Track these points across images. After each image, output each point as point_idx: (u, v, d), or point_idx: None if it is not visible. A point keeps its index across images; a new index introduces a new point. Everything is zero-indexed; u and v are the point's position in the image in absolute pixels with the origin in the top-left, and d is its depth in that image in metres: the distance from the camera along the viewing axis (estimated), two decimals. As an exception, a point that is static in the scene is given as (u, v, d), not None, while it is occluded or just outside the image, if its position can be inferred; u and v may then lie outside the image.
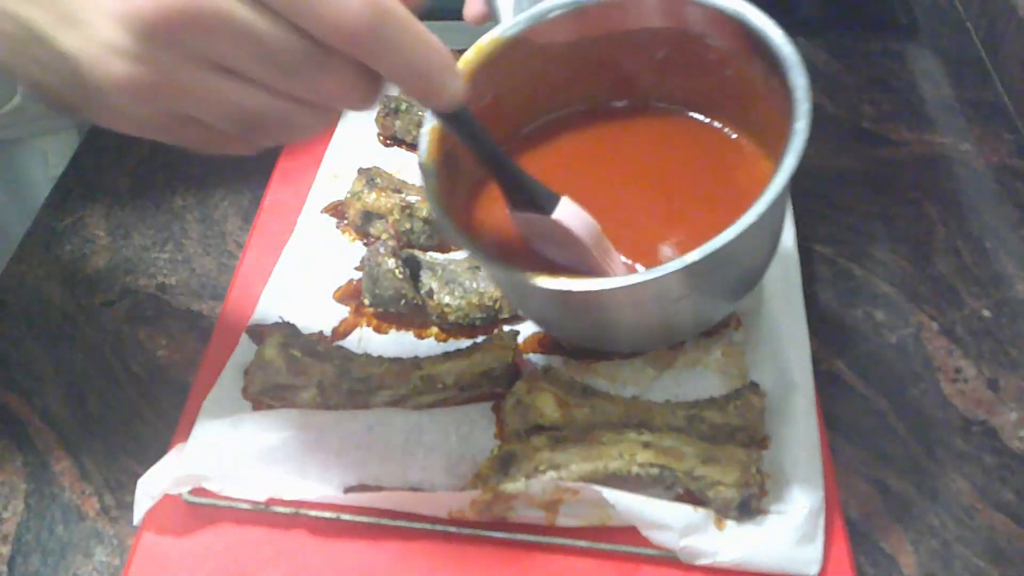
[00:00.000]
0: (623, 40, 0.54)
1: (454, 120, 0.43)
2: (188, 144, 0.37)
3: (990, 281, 0.66)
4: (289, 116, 0.35)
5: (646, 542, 0.50)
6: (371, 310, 0.62)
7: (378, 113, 0.74)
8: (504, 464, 0.51)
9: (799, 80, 0.47)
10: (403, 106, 0.73)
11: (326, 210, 0.68)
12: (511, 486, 0.50)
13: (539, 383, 0.54)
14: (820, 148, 0.77)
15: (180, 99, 0.33)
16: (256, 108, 0.34)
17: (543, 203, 0.47)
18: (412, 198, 0.65)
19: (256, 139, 0.37)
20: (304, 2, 0.32)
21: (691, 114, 0.57)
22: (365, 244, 0.66)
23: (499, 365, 0.56)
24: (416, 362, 0.57)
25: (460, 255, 0.65)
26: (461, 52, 0.80)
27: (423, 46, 0.36)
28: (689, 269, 0.43)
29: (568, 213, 0.47)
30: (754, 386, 0.54)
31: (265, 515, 0.52)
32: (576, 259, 0.49)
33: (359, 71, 0.35)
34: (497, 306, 0.60)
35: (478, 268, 0.62)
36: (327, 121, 0.37)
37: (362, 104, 0.36)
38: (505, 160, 0.47)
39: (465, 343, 0.59)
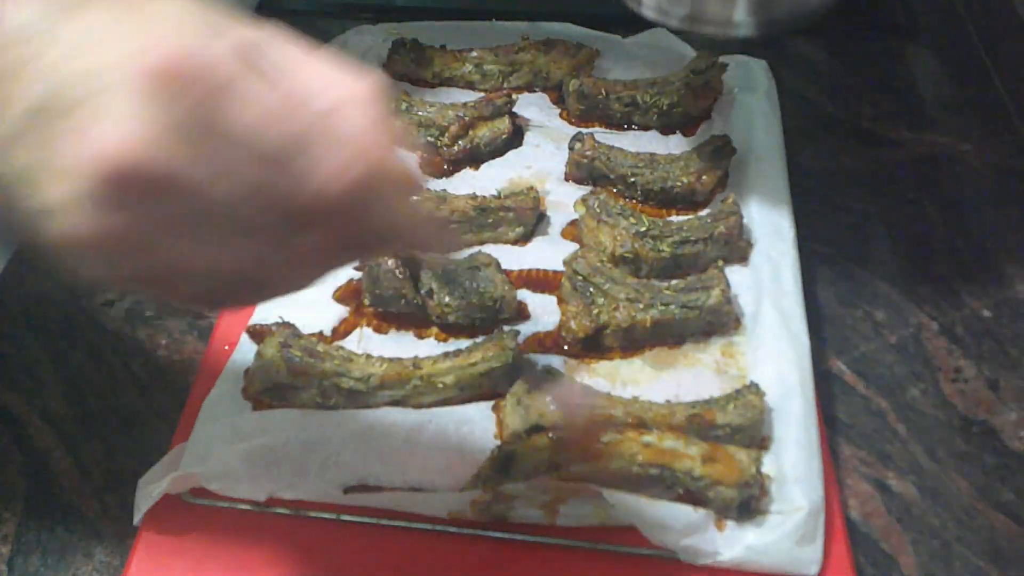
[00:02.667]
0: None
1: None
2: (151, 296, 0.35)
3: (990, 281, 0.66)
4: (267, 276, 0.33)
5: (646, 542, 0.49)
6: (371, 310, 0.62)
7: (378, 113, 0.74)
8: (504, 464, 0.51)
9: None
10: (403, 106, 0.73)
11: (326, 210, 0.68)
12: (511, 486, 0.50)
13: (539, 383, 0.54)
14: (820, 148, 0.77)
15: (138, 256, 0.30)
16: (230, 269, 0.32)
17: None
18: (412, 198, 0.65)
19: (224, 300, 0.34)
20: (283, 176, 0.30)
21: None
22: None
23: (499, 365, 0.56)
24: (416, 362, 0.57)
25: (460, 255, 0.65)
26: (462, 52, 0.80)
27: (402, 211, 0.34)
28: None
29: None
30: (754, 386, 0.54)
31: (265, 515, 0.52)
32: None
33: (339, 236, 0.33)
34: (497, 306, 0.60)
35: (478, 268, 0.62)
36: (303, 284, 0.35)
37: (340, 266, 0.35)
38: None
39: (465, 343, 0.59)
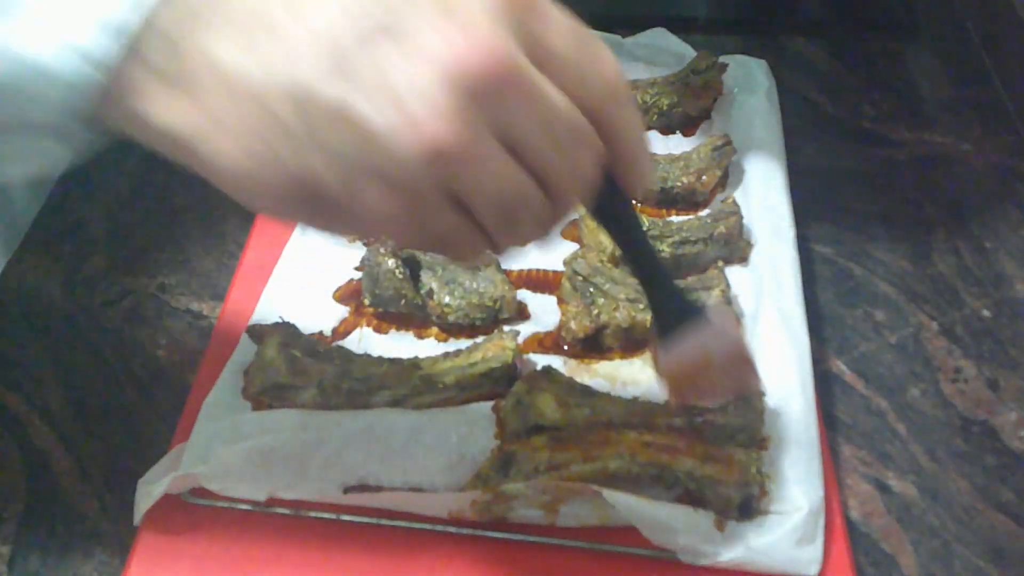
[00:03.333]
0: None
1: (622, 216, 0.42)
2: (435, 242, 0.35)
3: (990, 281, 0.66)
4: (539, 206, 0.35)
5: (646, 542, 0.49)
6: (371, 310, 0.62)
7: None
8: (504, 464, 0.51)
9: None
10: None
11: (326, 210, 0.68)
12: (511, 486, 0.50)
13: (539, 383, 0.54)
14: (820, 148, 0.77)
15: (472, 169, 0.32)
16: (523, 191, 0.34)
17: (691, 312, 0.46)
18: (412, 198, 0.65)
19: (504, 233, 0.36)
20: (586, 62, 0.34)
21: None
22: (365, 244, 0.66)
23: (499, 365, 0.56)
24: (416, 362, 0.57)
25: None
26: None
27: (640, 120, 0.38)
28: None
29: (719, 315, 0.47)
30: (754, 386, 0.54)
31: (265, 515, 0.52)
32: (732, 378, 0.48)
33: (594, 156, 0.35)
34: (497, 306, 0.60)
35: (478, 268, 0.62)
36: (553, 223, 0.37)
37: (572, 206, 0.37)
38: (658, 265, 0.46)
39: (465, 343, 0.59)
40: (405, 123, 0.30)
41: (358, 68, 0.31)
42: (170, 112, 0.32)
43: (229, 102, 0.31)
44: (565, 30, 0.34)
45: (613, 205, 0.40)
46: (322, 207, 0.33)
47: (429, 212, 0.33)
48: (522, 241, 0.37)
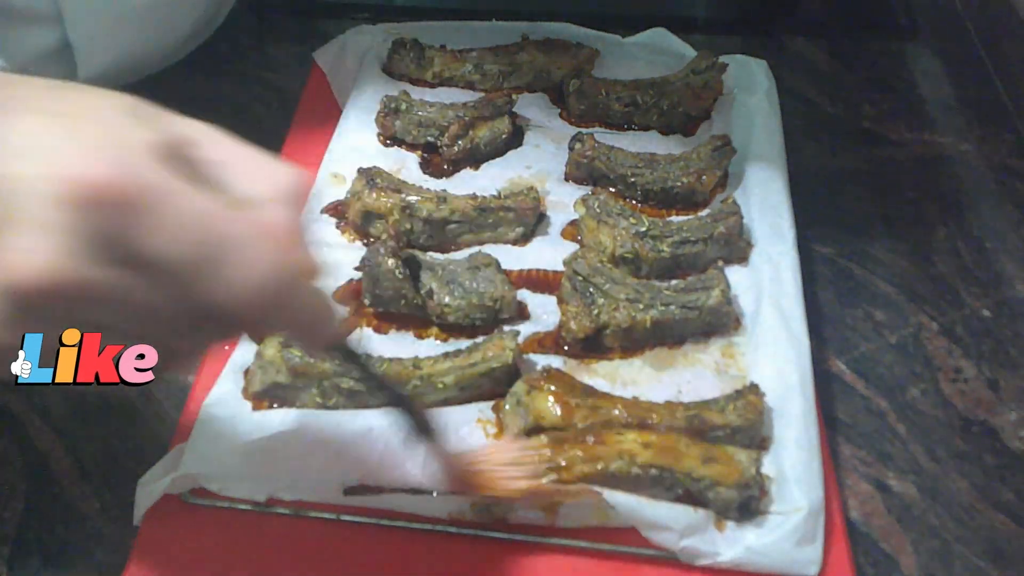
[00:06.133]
0: None
1: (340, 352, 0.45)
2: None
3: (990, 281, 0.66)
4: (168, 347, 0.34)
5: (646, 542, 0.49)
6: (371, 310, 0.62)
7: (378, 113, 0.74)
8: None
9: None
10: (403, 106, 0.73)
11: (326, 210, 0.68)
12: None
13: (539, 383, 0.54)
14: (820, 148, 0.77)
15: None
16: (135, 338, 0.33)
17: (428, 430, 0.48)
18: (412, 198, 0.65)
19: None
20: (197, 264, 0.31)
21: None
22: (365, 244, 0.66)
23: (499, 365, 0.56)
24: (416, 362, 0.57)
25: (460, 255, 0.65)
26: (462, 52, 0.80)
27: (311, 303, 0.35)
28: None
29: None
30: (754, 387, 0.54)
31: (265, 515, 0.52)
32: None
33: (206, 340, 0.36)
34: (497, 306, 0.60)
35: (478, 268, 0.62)
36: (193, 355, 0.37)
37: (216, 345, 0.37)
38: (391, 386, 0.50)
39: (465, 343, 0.59)
40: None
41: None
42: None
43: None
44: (174, 230, 0.30)
45: None
46: None
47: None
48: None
